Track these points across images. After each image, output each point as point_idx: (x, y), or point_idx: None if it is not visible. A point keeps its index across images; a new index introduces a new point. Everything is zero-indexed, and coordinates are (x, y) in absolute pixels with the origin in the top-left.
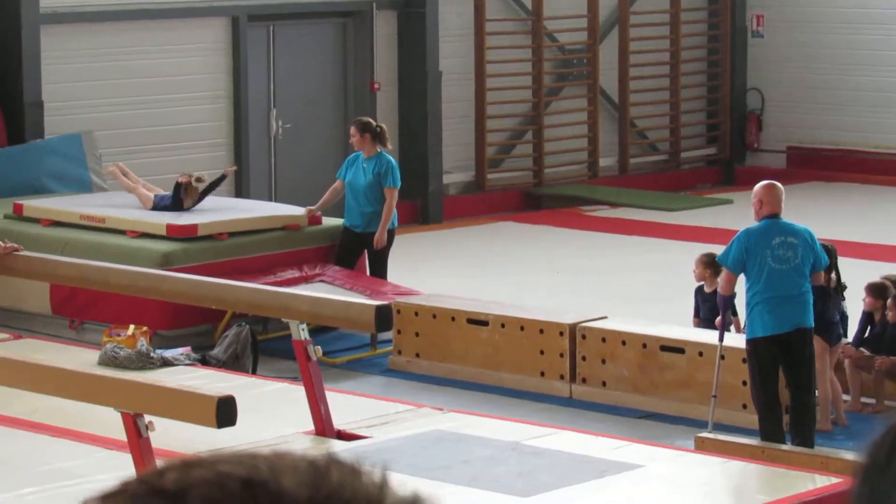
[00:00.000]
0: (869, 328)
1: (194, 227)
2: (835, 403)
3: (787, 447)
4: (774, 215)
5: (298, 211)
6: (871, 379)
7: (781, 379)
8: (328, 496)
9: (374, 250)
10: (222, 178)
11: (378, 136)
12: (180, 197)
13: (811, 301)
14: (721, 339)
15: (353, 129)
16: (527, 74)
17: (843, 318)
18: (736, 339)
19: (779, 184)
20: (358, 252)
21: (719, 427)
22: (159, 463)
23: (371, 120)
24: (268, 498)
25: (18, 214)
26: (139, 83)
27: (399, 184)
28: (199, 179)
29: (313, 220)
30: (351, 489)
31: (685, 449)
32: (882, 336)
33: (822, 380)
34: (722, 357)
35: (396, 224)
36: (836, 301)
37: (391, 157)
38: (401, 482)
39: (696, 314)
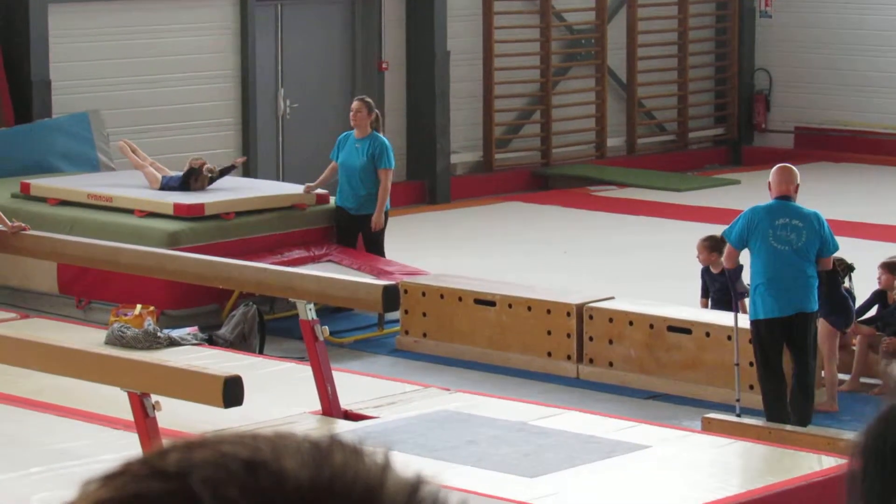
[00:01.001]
0: (877, 307)
1: (201, 206)
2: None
3: (792, 428)
4: (784, 197)
5: None
6: (878, 360)
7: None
8: (331, 477)
9: (369, 232)
10: (231, 168)
11: (377, 120)
12: (189, 181)
13: (815, 286)
14: (736, 307)
15: (359, 105)
16: (535, 54)
17: (851, 297)
18: (742, 320)
19: (791, 167)
20: (354, 232)
21: (727, 408)
22: (165, 443)
23: None
24: (270, 479)
25: (26, 193)
26: (147, 62)
27: (393, 164)
28: (210, 170)
29: (321, 199)
30: (353, 470)
31: (692, 429)
32: (892, 316)
33: (828, 362)
34: (735, 332)
35: (389, 206)
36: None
37: (384, 138)
38: (406, 463)
39: (704, 294)
